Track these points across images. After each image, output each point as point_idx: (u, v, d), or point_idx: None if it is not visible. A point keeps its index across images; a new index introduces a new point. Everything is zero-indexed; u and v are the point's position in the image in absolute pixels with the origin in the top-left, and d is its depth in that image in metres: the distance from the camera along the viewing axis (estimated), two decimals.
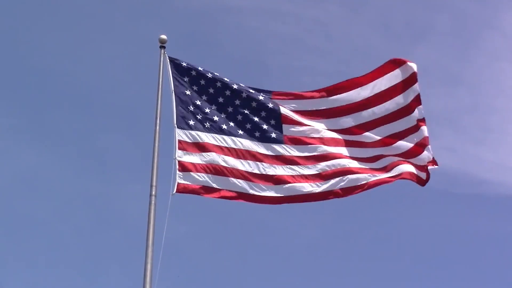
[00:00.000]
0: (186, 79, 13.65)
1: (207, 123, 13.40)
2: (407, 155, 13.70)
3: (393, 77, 14.00)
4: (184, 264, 28.07)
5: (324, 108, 13.97)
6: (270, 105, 13.80)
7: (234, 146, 13.30)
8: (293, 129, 13.73)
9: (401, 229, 31.31)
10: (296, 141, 13.65)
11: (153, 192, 12.19)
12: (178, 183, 12.55)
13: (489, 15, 34.76)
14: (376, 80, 13.99)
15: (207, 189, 12.83)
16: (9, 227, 29.35)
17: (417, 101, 13.95)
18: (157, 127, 12.85)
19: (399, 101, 13.92)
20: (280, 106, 13.82)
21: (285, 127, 13.72)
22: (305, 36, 34.41)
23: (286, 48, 34.17)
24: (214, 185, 12.88)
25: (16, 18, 33.40)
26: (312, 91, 14.07)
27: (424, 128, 13.74)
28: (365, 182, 13.35)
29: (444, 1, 35.33)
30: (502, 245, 31.02)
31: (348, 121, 13.94)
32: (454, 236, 31.51)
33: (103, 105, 33.07)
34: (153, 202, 12.12)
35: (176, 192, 12.49)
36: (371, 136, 13.83)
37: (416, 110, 13.92)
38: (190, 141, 13.06)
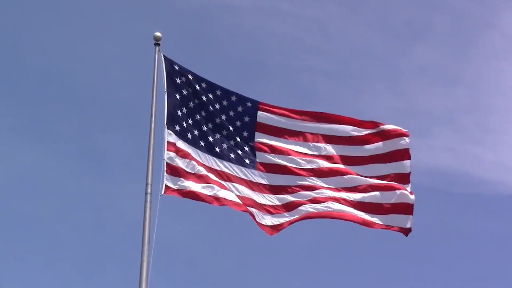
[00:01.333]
0: (178, 80, 13.55)
1: (189, 134, 13.29)
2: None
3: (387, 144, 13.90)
4: (180, 262, 28.09)
5: (307, 132, 13.95)
6: (245, 134, 13.72)
7: (208, 165, 13.20)
8: (267, 156, 13.66)
9: None
10: (269, 169, 13.60)
11: (149, 190, 12.16)
12: (166, 185, 12.45)
13: (488, 14, 34.78)
14: (368, 131, 13.94)
15: (192, 194, 12.73)
16: (7, 226, 29.36)
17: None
18: (152, 125, 12.82)
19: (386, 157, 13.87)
20: (256, 133, 13.74)
21: (258, 154, 13.67)
22: (304, 35, 34.42)
23: (285, 47, 34.19)
24: (200, 191, 12.80)
25: (11, 18, 33.41)
26: (301, 112, 14.04)
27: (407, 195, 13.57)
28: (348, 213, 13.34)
29: (443, 1, 35.34)
30: (501, 244, 31.04)
31: (330, 150, 13.91)
32: (453, 236, 31.52)
33: (101, 104, 33.12)
34: (148, 199, 12.08)
35: (164, 194, 12.40)
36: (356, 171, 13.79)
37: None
38: (177, 147, 12.96)
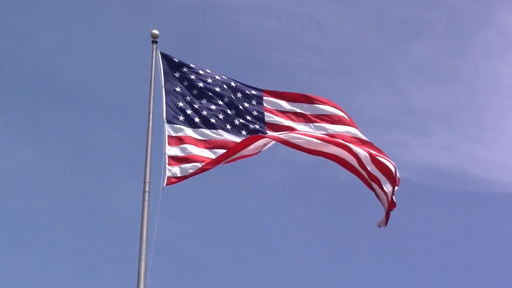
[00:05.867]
0: (177, 74, 13.69)
1: (196, 118, 13.39)
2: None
3: None
4: (178, 261, 28.06)
5: (309, 113, 14.09)
6: (255, 113, 13.88)
7: (221, 138, 13.28)
8: (277, 134, 13.71)
9: (397, 227, 31.23)
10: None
11: (147, 189, 12.13)
12: (167, 177, 12.48)
13: (484, 12, 34.80)
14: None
15: (197, 170, 12.73)
16: (2, 225, 29.31)
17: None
18: (150, 123, 12.84)
19: None
20: (264, 113, 13.91)
21: (270, 132, 13.75)
22: (300, 33, 34.39)
23: (280, 45, 34.15)
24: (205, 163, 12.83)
25: (7, 16, 33.35)
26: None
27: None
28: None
29: None
30: (497, 243, 31.06)
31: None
32: (449, 234, 31.52)
33: (98, 102, 33.05)
34: (146, 198, 12.05)
35: (166, 185, 12.39)
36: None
37: None
38: (179, 135, 13.03)
